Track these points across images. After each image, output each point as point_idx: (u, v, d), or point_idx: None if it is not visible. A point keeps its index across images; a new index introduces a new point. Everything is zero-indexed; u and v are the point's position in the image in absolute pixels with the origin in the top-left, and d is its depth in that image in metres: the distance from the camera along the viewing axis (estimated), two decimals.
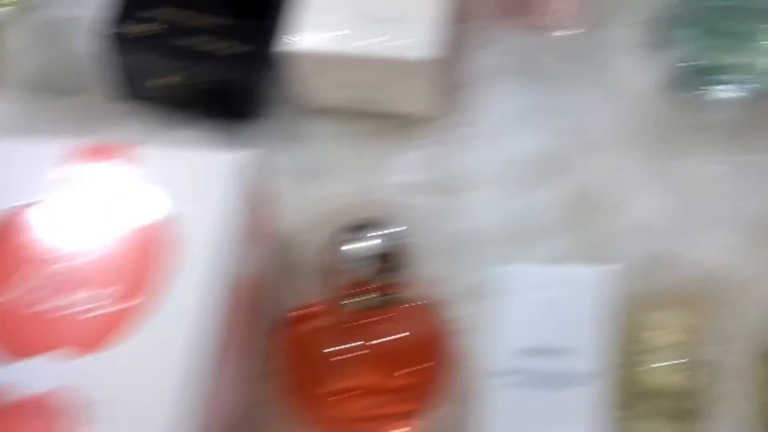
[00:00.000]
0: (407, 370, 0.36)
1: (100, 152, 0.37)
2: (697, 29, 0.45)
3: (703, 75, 0.45)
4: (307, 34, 0.44)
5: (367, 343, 0.36)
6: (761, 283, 0.39)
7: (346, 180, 0.44)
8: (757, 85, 0.44)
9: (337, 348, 0.36)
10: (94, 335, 0.31)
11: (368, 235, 0.36)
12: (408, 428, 0.37)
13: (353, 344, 0.36)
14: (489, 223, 0.42)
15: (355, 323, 0.36)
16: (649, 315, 0.38)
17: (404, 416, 0.37)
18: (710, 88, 0.44)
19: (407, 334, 0.37)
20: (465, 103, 0.46)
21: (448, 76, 0.45)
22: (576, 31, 0.48)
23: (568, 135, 0.45)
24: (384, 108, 0.46)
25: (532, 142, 0.45)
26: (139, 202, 0.35)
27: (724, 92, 0.44)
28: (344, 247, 0.36)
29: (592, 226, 0.42)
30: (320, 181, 0.44)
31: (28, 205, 0.35)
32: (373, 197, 0.43)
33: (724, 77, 0.44)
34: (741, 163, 0.44)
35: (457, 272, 0.41)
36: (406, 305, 0.37)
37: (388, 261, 0.37)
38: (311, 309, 0.38)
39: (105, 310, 0.32)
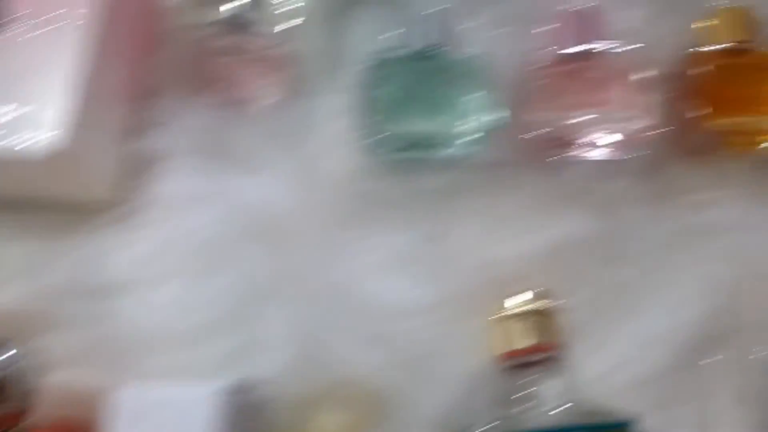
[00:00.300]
0: None
1: None
2: (396, 96, 0.44)
3: (402, 142, 0.44)
4: None
5: None
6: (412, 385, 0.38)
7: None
8: (457, 152, 0.44)
9: None
10: None
11: None
12: None
13: None
14: (152, 324, 0.40)
15: None
16: (310, 418, 0.36)
17: None
18: (410, 155, 0.44)
19: None
20: (139, 187, 0.43)
21: (120, 159, 0.42)
22: (272, 104, 0.46)
23: (247, 219, 0.42)
24: (52, 200, 0.42)
25: (207, 229, 0.42)
26: None
27: (424, 159, 0.44)
28: None
29: (258, 323, 0.40)
30: None
31: None
32: (24, 304, 0.39)
33: (423, 144, 0.44)
34: (435, 235, 0.43)
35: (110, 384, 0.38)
36: None
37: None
38: None
39: None
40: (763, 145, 0.43)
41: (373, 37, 0.47)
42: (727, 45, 0.44)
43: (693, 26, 0.45)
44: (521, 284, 0.38)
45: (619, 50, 0.44)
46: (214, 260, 0.41)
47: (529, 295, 0.37)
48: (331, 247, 0.42)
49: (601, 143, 0.43)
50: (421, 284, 0.41)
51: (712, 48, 0.44)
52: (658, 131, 0.43)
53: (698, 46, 0.45)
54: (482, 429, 0.34)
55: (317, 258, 0.42)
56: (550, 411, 0.34)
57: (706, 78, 0.44)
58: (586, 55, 0.44)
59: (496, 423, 0.34)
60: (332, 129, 0.45)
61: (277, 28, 0.45)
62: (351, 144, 0.44)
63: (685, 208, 0.43)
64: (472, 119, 0.43)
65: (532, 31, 0.46)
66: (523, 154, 0.44)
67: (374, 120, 0.44)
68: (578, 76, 0.44)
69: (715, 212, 0.42)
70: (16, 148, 0.38)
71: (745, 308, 0.40)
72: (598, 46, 0.44)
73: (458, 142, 0.43)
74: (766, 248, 0.41)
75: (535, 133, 0.43)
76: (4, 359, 0.34)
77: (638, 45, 0.44)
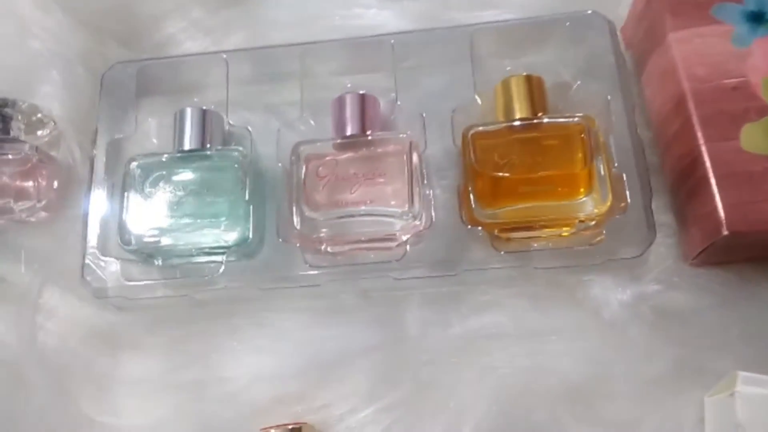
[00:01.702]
0: None
1: None
2: (161, 199, 0.42)
3: (166, 250, 0.42)
4: None
5: None
6: None
7: None
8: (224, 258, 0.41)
9: None
10: None
11: None
12: None
13: None
14: None
15: None
16: None
17: None
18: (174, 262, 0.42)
19: None
20: None
21: None
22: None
23: None
24: None
25: None
26: None
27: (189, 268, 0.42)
28: None
29: None
30: None
31: None
32: None
33: (187, 252, 0.42)
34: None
35: None
36: None
37: None
38: None
39: None
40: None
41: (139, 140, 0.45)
42: (510, 122, 0.41)
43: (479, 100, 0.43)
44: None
45: (400, 136, 0.42)
46: None
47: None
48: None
49: (378, 241, 0.40)
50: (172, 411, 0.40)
51: (492, 127, 0.41)
52: (432, 226, 0.40)
53: (480, 125, 0.41)
54: None
55: None
56: None
57: (481, 163, 0.40)
58: (361, 143, 0.42)
59: None
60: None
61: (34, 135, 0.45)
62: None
63: (473, 311, 0.40)
64: (239, 223, 0.41)
65: (304, 125, 0.44)
66: (296, 256, 0.41)
67: (135, 226, 0.41)
68: (354, 167, 0.41)
69: (502, 315, 0.40)
70: None
71: (533, 410, 0.38)
72: (373, 133, 0.42)
73: (224, 248, 0.41)
74: (553, 351, 0.39)
75: (307, 232, 0.40)
76: None
77: (412, 132, 0.42)
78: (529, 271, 0.40)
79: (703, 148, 0.37)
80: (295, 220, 0.41)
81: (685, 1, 0.40)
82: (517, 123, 0.42)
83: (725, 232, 0.35)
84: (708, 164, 0.37)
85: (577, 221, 0.40)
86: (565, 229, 0.40)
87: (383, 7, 0.49)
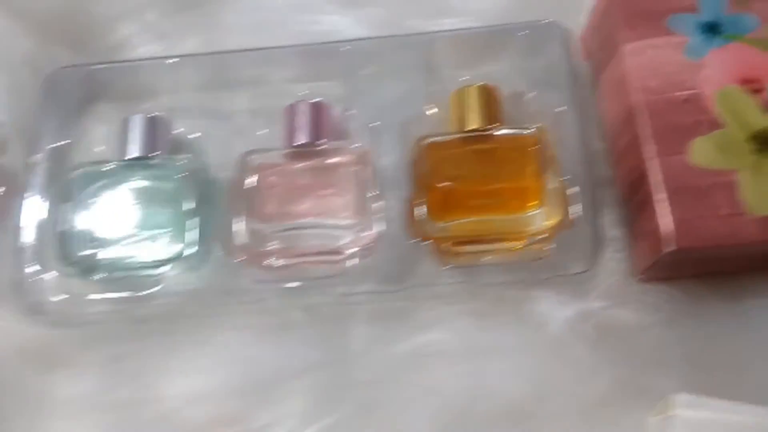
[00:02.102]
0: None
1: None
2: (103, 211, 0.41)
3: (108, 264, 0.40)
4: None
5: None
6: None
7: None
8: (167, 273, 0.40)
9: None
10: None
11: None
12: None
13: None
14: None
15: None
16: None
17: None
18: (116, 275, 0.41)
19: None
20: None
21: None
22: None
23: None
24: None
25: None
26: None
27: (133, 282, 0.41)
28: None
29: None
30: None
31: None
32: None
33: (131, 266, 0.40)
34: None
35: None
36: None
37: None
38: None
39: None
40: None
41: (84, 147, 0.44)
42: (463, 133, 0.40)
43: (428, 112, 0.43)
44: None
45: (352, 146, 0.41)
46: None
47: None
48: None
49: (326, 254, 0.39)
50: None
51: (444, 138, 0.40)
52: (382, 240, 0.39)
53: (432, 136, 0.40)
54: None
55: None
56: None
57: (432, 174, 0.39)
58: (313, 153, 0.41)
59: None
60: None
61: None
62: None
63: (418, 328, 0.40)
64: (183, 235, 0.39)
65: (256, 133, 0.43)
66: (242, 269, 0.39)
67: (74, 238, 0.40)
68: (304, 177, 0.40)
69: (447, 332, 0.39)
70: None
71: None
72: (324, 143, 0.41)
73: (168, 262, 0.40)
74: (496, 370, 0.38)
75: (254, 245, 0.39)
76: None
77: (365, 142, 0.41)
78: (476, 286, 0.40)
79: (652, 162, 0.36)
80: (242, 232, 0.39)
81: (640, 12, 0.40)
82: (470, 134, 0.41)
83: (672, 248, 0.35)
84: (656, 178, 0.36)
85: (527, 235, 0.39)
86: (515, 243, 0.40)
87: (342, 14, 0.48)
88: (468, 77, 0.43)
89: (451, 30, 0.45)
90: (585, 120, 0.41)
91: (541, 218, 0.39)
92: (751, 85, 0.37)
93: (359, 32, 0.47)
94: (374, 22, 0.47)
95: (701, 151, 0.36)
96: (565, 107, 0.41)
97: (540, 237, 0.39)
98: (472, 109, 0.41)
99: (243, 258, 0.40)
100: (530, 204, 0.39)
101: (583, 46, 0.45)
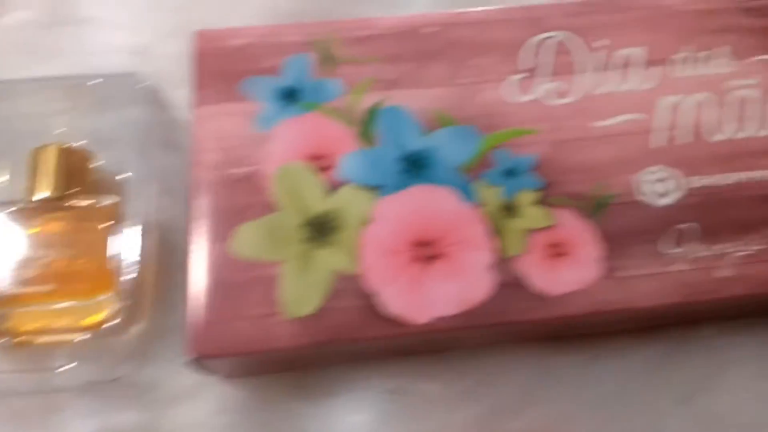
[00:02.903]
0: None
1: None
2: None
3: None
4: None
5: None
6: None
7: None
8: None
9: None
10: None
11: None
12: None
13: None
14: None
15: None
16: None
17: None
18: None
19: None
20: None
21: None
22: None
23: None
24: None
25: None
26: None
27: None
28: None
29: None
30: None
31: None
32: None
33: None
34: None
35: None
36: None
37: None
38: None
39: None
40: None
41: None
42: (29, 203, 0.35)
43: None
44: None
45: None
46: None
47: None
48: None
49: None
50: None
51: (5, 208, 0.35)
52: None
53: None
54: None
55: None
56: None
57: None
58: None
59: None
60: None
61: None
62: None
63: None
64: None
65: None
66: None
67: None
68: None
69: None
70: None
71: None
72: None
73: None
74: None
75: None
76: None
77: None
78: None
79: (194, 250, 0.32)
80: None
81: (220, 71, 0.35)
82: (37, 204, 0.36)
83: (193, 355, 0.30)
84: (194, 269, 0.31)
85: (94, 324, 0.34)
86: (78, 334, 0.34)
87: None
88: (56, 133, 0.37)
89: (35, 79, 0.39)
90: (161, 191, 0.36)
91: (106, 307, 0.34)
92: (320, 162, 0.33)
93: None
94: None
95: (246, 239, 0.32)
96: (135, 174, 0.36)
97: (106, 328, 0.34)
98: (44, 173, 0.36)
99: None
100: (98, 290, 0.34)
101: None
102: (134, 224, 0.35)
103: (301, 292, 0.31)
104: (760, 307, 0.36)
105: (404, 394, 0.35)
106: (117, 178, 0.36)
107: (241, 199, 0.32)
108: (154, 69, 0.39)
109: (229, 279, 0.31)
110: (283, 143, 0.34)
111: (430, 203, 0.33)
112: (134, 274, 0.34)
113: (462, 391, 0.35)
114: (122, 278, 0.34)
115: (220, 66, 0.35)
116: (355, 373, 0.35)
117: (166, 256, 0.36)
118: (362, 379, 0.35)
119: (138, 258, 0.34)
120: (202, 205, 0.32)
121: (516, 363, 0.35)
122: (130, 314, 0.34)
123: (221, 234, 0.32)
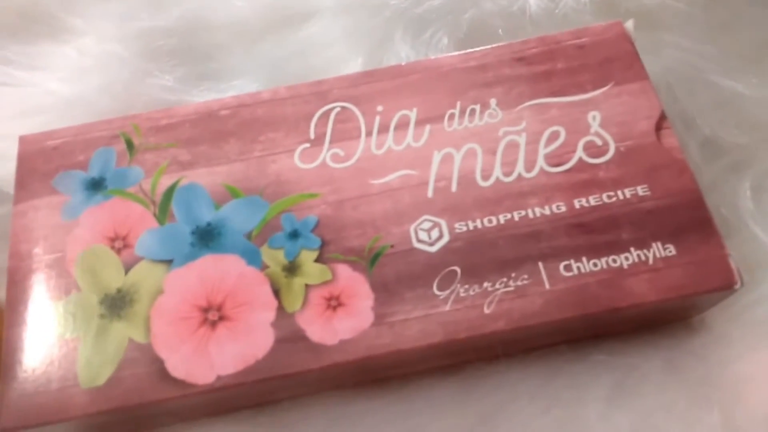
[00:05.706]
0: None
1: None
2: None
3: None
4: None
5: None
6: None
7: None
8: None
9: None
10: None
11: None
12: None
13: None
14: None
15: None
16: None
17: None
18: None
19: None
20: None
21: None
22: None
23: None
24: None
25: None
26: None
27: None
28: None
29: None
30: None
31: None
32: None
33: None
34: None
35: None
36: None
37: None
38: None
39: None
40: None
41: None
42: None
43: None
44: None
45: None
46: None
47: None
48: None
49: None
50: None
51: None
52: None
53: None
54: None
55: None
56: None
57: None
58: None
59: None
60: None
61: None
62: None
63: None
64: None
65: None
66: None
67: None
68: None
69: None
70: None
71: None
72: None
73: None
74: None
75: None
76: None
77: None
78: None
79: (7, 334, 0.36)
80: None
81: (34, 170, 0.39)
82: None
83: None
84: (4, 350, 0.35)
85: None
86: None
87: None
88: None
89: None
90: None
91: None
92: (120, 242, 0.37)
93: None
94: None
95: (50, 318, 0.36)
96: None
97: None
98: None
99: None
100: None
101: None
102: None
103: (96, 363, 0.34)
104: (543, 338, 0.38)
105: None
106: None
107: (50, 282, 0.36)
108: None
109: (40, 355, 0.35)
110: (87, 228, 0.37)
111: (216, 270, 0.36)
112: None
113: None
114: None
115: (38, 165, 0.39)
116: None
117: None
118: None
119: None
120: (11, 291, 0.36)
121: (318, 411, 0.38)
122: None
123: (31, 316, 0.36)
